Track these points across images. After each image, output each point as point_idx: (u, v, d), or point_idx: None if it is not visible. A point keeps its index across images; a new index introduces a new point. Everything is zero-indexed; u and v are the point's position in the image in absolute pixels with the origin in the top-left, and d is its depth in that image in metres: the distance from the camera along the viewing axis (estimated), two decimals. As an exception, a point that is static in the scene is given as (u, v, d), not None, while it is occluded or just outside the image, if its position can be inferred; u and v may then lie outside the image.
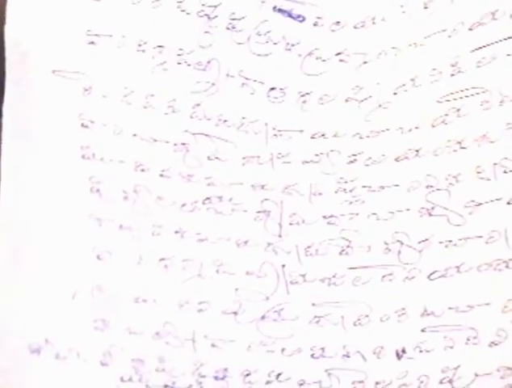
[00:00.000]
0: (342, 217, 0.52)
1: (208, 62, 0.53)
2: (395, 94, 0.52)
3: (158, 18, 0.54)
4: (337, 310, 0.52)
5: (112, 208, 0.53)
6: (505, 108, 0.50)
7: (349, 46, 0.53)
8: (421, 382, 0.51)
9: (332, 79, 0.53)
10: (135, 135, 0.53)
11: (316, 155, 0.53)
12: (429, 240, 0.51)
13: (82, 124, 0.53)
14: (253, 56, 0.53)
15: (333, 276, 0.52)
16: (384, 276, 0.52)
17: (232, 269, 0.53)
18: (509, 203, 0.50)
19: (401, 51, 0.52)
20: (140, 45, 0.53)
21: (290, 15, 0.53)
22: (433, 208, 0.51)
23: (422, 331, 0.51)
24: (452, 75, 0.51)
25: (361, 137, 0.52)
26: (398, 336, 0.51)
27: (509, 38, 0.50)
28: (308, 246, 0.53)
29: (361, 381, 0.51)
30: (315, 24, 0.53)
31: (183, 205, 0.53)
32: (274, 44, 0.53)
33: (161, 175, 0.53)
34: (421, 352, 0.51)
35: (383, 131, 0.52)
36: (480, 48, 0.50)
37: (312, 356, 0.52)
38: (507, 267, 0.49)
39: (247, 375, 0.52)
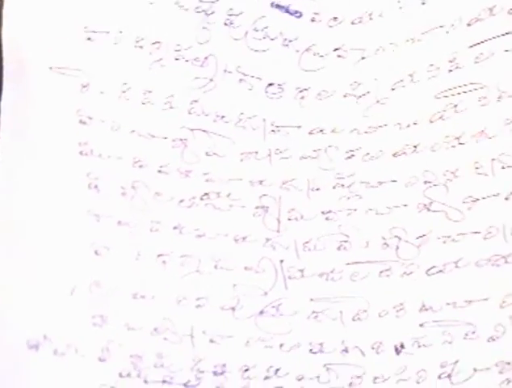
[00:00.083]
0: (339, 212, 0.52)
1: (206, 58, 0.53)
2: (393, 89, 0.52)
3: (155, 15, 0.53)
4: (336, 306, 0.52)
5: (110, 204, 0.53)
6: (503, 104, 0.50)
7: (346, 42, 0.53)
8: (420, 377, 0.50)
9: (330, 75, 0.53)
10: (133, 131, 0.53)
11: (314, 151, 0.53)
12: (427, 235, 0.51)
13: (80, 121, 0.53)
14: (250, 52, 0.53)
15: (332, 272, 0.52)
16: (381, 272, 0.51)
17: (230, 265, 0.52)
18: (507, 198, 0.49)
19: (399, 47, 0.52)
20: (137, 41, 0.53)
21: (287, 11, 0.53)
22: (431, 203, 0.51)
23: (421, 326, 0.50)
24: (450, 71, 0.50)
25: (359, 133, 0.52)
26: (396, 331, 0.51)
27: (507, 34, 0.49)
28: (307, 242, 0.52)
29: (359, 376, 0.51)
30: (312, 20, 0.53)
31: (181, 201, 0.53)
32: (272, 39, 0.53)
33: (159, 171, 0.53)
34: (419, 347, 0.50)
35: (381, 126, 0.52)
36: (478, 43, 0.50)
37: (310, 351, 0.51)
38: (505, 262, 0.49)
39: (246, 370, 0.52)
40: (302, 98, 0.53)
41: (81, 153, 0.53)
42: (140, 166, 0.53)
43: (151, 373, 0.52)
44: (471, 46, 0.50)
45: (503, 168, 0.50)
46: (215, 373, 0.52)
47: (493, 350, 0.49)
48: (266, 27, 0.53)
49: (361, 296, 0.51)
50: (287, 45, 0.53)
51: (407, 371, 0.50)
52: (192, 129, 0.53)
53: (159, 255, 0.53)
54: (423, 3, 0.51)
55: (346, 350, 0.51)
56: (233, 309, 0.52)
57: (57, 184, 0.53)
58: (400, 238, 0.51)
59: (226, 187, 0.53)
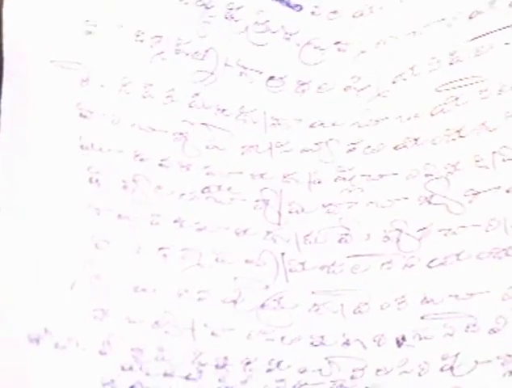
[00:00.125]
0: (340, 205, 0.52)
1: (206, 52, 0.53)
2: (394, 83, 0.52)
3: (156, 8, 0.53)
4: (337, 298, 0.51)
5: (111, 197, 0.52)
6: (504, 97, 0.50)
7: (347, 35, 0.53)
8: (422, 370, 0.50)
9: (330, 68, 0.53)
10: (133, 125, 0.53)
11: (315, 144, 0.52)
12: (428, 228, 0.50)
13: (81, 114, 0.53)
14: (251, 45, 0.53)
15: (333, 264, 0.51)
16: (383, 264, 0.51)
17: (231, 258, 0.52)
18: (508, 191, 0.49)
19: (400, 40, 0.52)
20: (138, 35, 0.53)
21: (288, 4, 0.53)
22: (432, 196, 0.50)
23: (422, 318, 0.50)
24: (451, 64, 0.50)
25: (360, 126, 0.52)
26: (398, 324, 0.50)
27: (508, 27, 0.50)
28: (308, 235, 0.52)
29: (361, 369, 0.51)
30: (313, 13, 0.53)
31: (182, 195, 0.52)
32: (273, 33, 0.53)
33: (160, 165, 0.53)
34: (420, 339, 0.50)
35: (382, 120, 0.52)
36: (479, 36, 0.50)
37: (311, 344, 0.51)
38: (507, 254, 0.49)
39: (247, 363, 0.51)
40: (303, 91, 0.53)
41: (81, 146, 0.52)
42: (141, 160, 0.52)
43: (152, 367, 0.51)
44: (471, 39, 0.50)
45: (504, 161, 0.50)
46: (216, 366, 0.51)
47: (494, 342, 0.49)
48: (266, 21, 0.53)
49: (362, 288, 0.51)
50: (287, 39, 0.53)
51: (409, 363, 0.50)
52: (193, 123, 0.53)
53: (160, 249, 0.52)
54: (424, -4, 0.50)
55: (347, 343, 0.51)
56: (235, 302, 0.52)
57: (58, 178, 0.52)
58: (401, 231, 0.51)
59: (227, 180, 0.53)
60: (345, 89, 0.52)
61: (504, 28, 0.50)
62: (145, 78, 0.53)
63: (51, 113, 0.53)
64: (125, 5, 0.53)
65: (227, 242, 0.52)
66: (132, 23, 0.53)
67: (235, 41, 0.53)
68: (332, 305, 0.51)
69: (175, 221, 0.53)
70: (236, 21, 0.53)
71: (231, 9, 0.53)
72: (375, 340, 0.51)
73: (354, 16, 0.53)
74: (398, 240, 0.51)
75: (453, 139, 0.50)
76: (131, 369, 0.51)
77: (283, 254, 0.52)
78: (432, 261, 0.50)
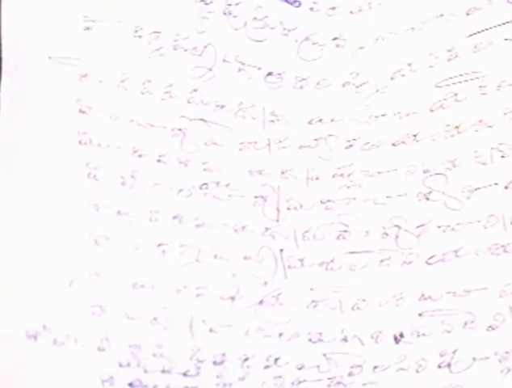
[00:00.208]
0: (339, 201, 0.51)
1: (205, 47, 0.53)
2: (392, 79, 0.51)
3: (154, 4, 0.53)
4: (335, 295, 0.51)
5: (109, 193, 0.52)
6: (503, 93, 0.49)
7: (345, 31, 0.52)
8: (420, 366, 0.49)
9: (329, 64, 0.52)
10: (132, 121, 0.52)
11: (314, 140, 0.52)
12: (426, 225, 0.50)
13: (79, 110, 0.52)
14: (249, 41, 0.53)
15: (331, 261, 0.51)
16: (381, 261, 0.50)
17: (229, 254, 0.52)
18: (506, 187, 0.49)
19: (398, 36, 0.51)
20: (136, 31, 0.52)
21: (286, 0, 0.53)
22: (430, 192, 0.50)
23: (420, 315, 0.50)
24: (449, 60, 0.50)
25: (358, 122, 0.52)
26: (396, 321, 0.50)
27: (507, 23, 0.49)
28: (306, 231, 0.51)
29: (359, 366, 0.50)
30: (311, 9, 0.53)
31: (180, 191, 0.52)
32: (271, 29, 0.53)
33: (159, 161, 0.52)
34: (418, 336, 0.50)
35: (380, 116, 0.51)
36: (477, 32, 0.50)
37: (310, 340, 0.51)
38: (505, 251, 0.49)
39: (245, 360, 0.51)
40: (301, 87, 0.52)
41: (80, 142, 0.52)
42: (140, 156, 0.52)
43: (150, 363, 0.51)
44: (470, 35, 0.50)
45: (502, 157, 0.49)
46: (214, 363, 0.51)
47: (492, 339, 0.49)
48: (265, 17, 0.53)
49: (360, 285, 0.51)
50: (286, 35, 0.53)
51: (406, 360, 0.50)
52: (191, 119, 0.52)
53: (158, 245, 0.52)
54: (422, -8, 0.50)
55: (345, 339, 0.50)
56: (233, 298, 0.51)
57: (56, 174, 0.52)
58: (399, 228, 0.50)
59: (225, 176, 0.52)
60: (343, 85, 0.52)
61: (503, 24, 0.49)
62: (144, 74, 0.53)
63: (49, 109, 0.52)
64: (123, 1, 0.53)
65: (225, 239, 0.52)
66: (130, 18, 0.52)
67: (233, 37, 0.53)
68: (330, 302, 0.51)
69: (174, 218, 0.52)
70: (234, 17, 0.53)
71: (229, 4, 0.53)
72: (373, 337, 0.50)
73: (352, 12, 0.52)
74: (397, 236, 0.50)
75: (452, 135, 0.50)
76: (128, 365, 0.50)
77: (281, 250, 0.52)
78: (430, 258, 0.50)
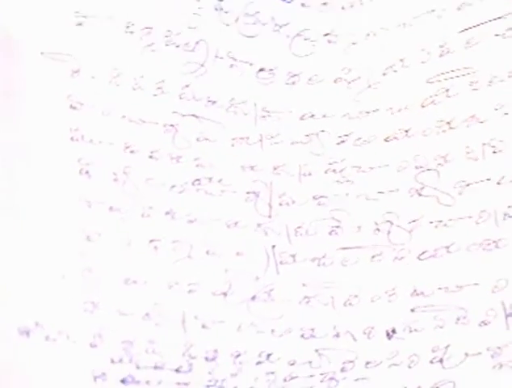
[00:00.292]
0: (331, 197, 0.51)
1: (197, 43, 0.52)
2: (384, 74, 0.51)
3: (146, 0, 0.52)
4: (327, 291, 0.50)
5: (102, 189, 0.52)
6: (494, 88, 0.49)
7: (337, 27, 0.52)
8: (412, 362, 0.49)
9: (321, 60, 0.52)
10: (124, 116, 0.52)
11: (306, 136, 0.52)
12: (418, 220, 0.50)
13: (71, 106, 0.52)
14: (241, 37, 0.52)
15: (323, 257, 0.51)
16: (373, 257, 0.50)
17: (222, 250, 0.51)
18: (498, 183, 0.48)
19: (390, 31, 0.51)
20: (128, 27, 0.52)
21: (278, -4, 0.52)
22: (422, 188, 0.50)
23: (412, 310, 0.49)
24: (441, 56, 0.50)
25: (350, 118, 0.51)
26: (388, 316, 0.50)
27: (498, 18, 0.49)
28: (298, 227, 0.51)
29: (351, 361, 0.50)
30: (303, 5, 0.52)
31: (173, 187, 0.52)
32: (263, 24, 0.52)
33: (151, 157, 0.52)
34: (411, 331, 0.49)
35: (372, 111, 0.51)
36: (469, 28, 0.49)
37: (302, 336, 0.50)
38: (497, 247, 0.48)
39: (237, 356, 0.50)
40: (293, 83, 0.52)
41: (72, 138, 0.52)
42: (132, 152, 0.52)
43: (143, 359, 0.50)
44: (462, 31, 0.50)
45: (494, 153, 0.49)
46: (206, 359, 0.51)
47: (484, 335, 0.48)
48: (256, 12, 0.52)
49: (353, 281, 0.50)
50: (277, 30, 0.52)
51: (399, 356, 0.49)
52: (183, 114, 0.52)
53: (151, 241, 0.51)
54: (414, -12, 0.49)
55: (337, 335, 0.50)
56: (225, 294, 0.51)
57: (48, 170, 0.51)
58: (391, 223, 0.50)
59: (217, 172, 0.52)
60: (335, 81, 0.52)
61: (494, 20, 0.49)
62: (136, 70, 0.52)
63: (41, 105, 0.52)
64: (115, -4, 0.52)
65: (218, 235, 0.51)
66: (122, 14, 0.52)
67: (225, 33, 0.52)
68: (322, 298, 0.51)
69: (166, 213, 0.52)
70: (226, 12, 0.52)
71: (221, 0, 0.52)
72: (365, 333, 0.50)
73: (344, 8, 0.52)
74: (389, 232, 0.50)
75: (443, 131, 0.50)
76: (121, 361, 0.50)
77: (273, 246, 0.51)
78: (422, 253, 0.49)
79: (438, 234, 0.49)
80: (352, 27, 0.52)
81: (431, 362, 0.49)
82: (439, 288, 0.49)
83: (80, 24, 0.52)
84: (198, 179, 0.52)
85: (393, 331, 0.49)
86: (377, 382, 0.49)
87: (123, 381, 0.50)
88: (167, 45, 0.52)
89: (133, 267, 0.51)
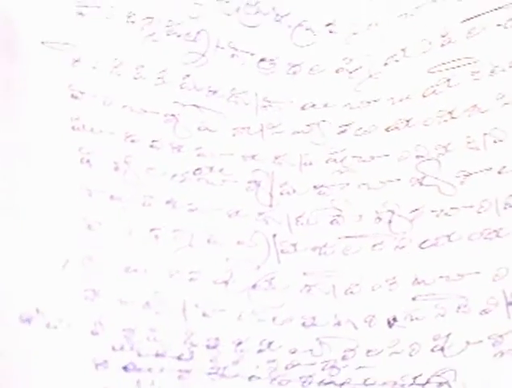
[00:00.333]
0: (332, 186, 0.51)
1: (198, 33, 0.52)
2: (385, 64, 0.50)
3: (147, -10, 0.51)
4: (328, 279, 0.50)
5: (102, 178, 0.52)
6: (496, 78, 0.49)
7: (338, 17, 0.51)
8: (413, 350, 0.49)
9: (322, 50, 0.52)
10: (125, 106, 0.52)
11: (307, 125, 0.51)
12: (420, 209, 0.49)
13: (72, 95, 0.51)
14: (242, 27, 0.52)
15: (324, 246, 0.50)
16: (374, 245, 0.50)
17: (223, 239, 0.51)
18: (499, 172, 0.48)
19: (391, 21, 0.51)
20: (129, 16, 0.52)
21: (279, -14, 0.51)
22: (423, 177, 0.49)
23: (413, 299, 0.49)
24: (443, 45, 0.49)
25: (351, 108, 0.51)
26: (389, 305, 0.50)
27: (500, 8, 0.48)
28: (299, 216, 0.51)
29: (352, 349, 0.50)
30: None
31: (174, 176, 0.51)
32: (264, 15, 0.52)
33: (152, 146, 0.52)
34: (412, 320, 0.49)
35: (373, 101, 0.51)
36: (471, 18, 0.49)
37: (303, 324, 0.50)
38: (498, 236, 0.48)
39: (238, 344, 0.51)
40: (294, 73, 0.52)
41: (73, 127, 0.51)
42: (133, 141, 0.51)
43: (144, 347, 0.51)
44: (463, 21, 0.49)
45: (495, 142, 0.48)
46: (208, 347, 0.51)
47: (485, 323, 0.48)
48: (258, 2, 0.52)
49: (354, 270, 0.50)
50: (279, 20, 0.52)
51: (400, 344, 0.49)
52: (184, 104, 0.52)
53: (152, 230, 0.51)
54: (415, -22, 0.49)
55: (338, 323, 0.50)
56: (226, 282, 0.51)
57: (49, 159, 0.51)
58: (393, 212, 0.50)
59: (219, 161, 0.52)
60: (336, 71, 0.51)
61: (496, 10, 0.49)
62: (137, 60, 0.52)
63: (42, 94, 0.51)
64: (116, -14, 0.51)
65: (219, 224, 0.51)
66: (123, 4, 0.52)
67: (226, 23, 0.52)
68: (323, 286, 0.50)
69: (167, 202, 0.52)
70: (227, 2, 0.52)
71: (223, -10, 0.52)
72: (366, 321, 0.50)
73: (345, -3, 0.51)
74: (390, 221, 0.50)
75: (445, 120, 0.49)
76: (122, 349, 0.50)
77: (274, 235, 0.51)
78: (424, 242, 0.49)
79: (440, 224, 0.49)
80: (353, 17, 0.51)
81: (432, 350, 0.49)
82: (440, 277, 0.49)
83: (81, 14, 0.51)
84: (199, 169, 0.52)
85: (394, 320, 0.49)
86: (378, 370, 0.49)
87: (124, 368, 0.50)
88: (168, 35, 0.52)
89: (134, 256, 0.51)
